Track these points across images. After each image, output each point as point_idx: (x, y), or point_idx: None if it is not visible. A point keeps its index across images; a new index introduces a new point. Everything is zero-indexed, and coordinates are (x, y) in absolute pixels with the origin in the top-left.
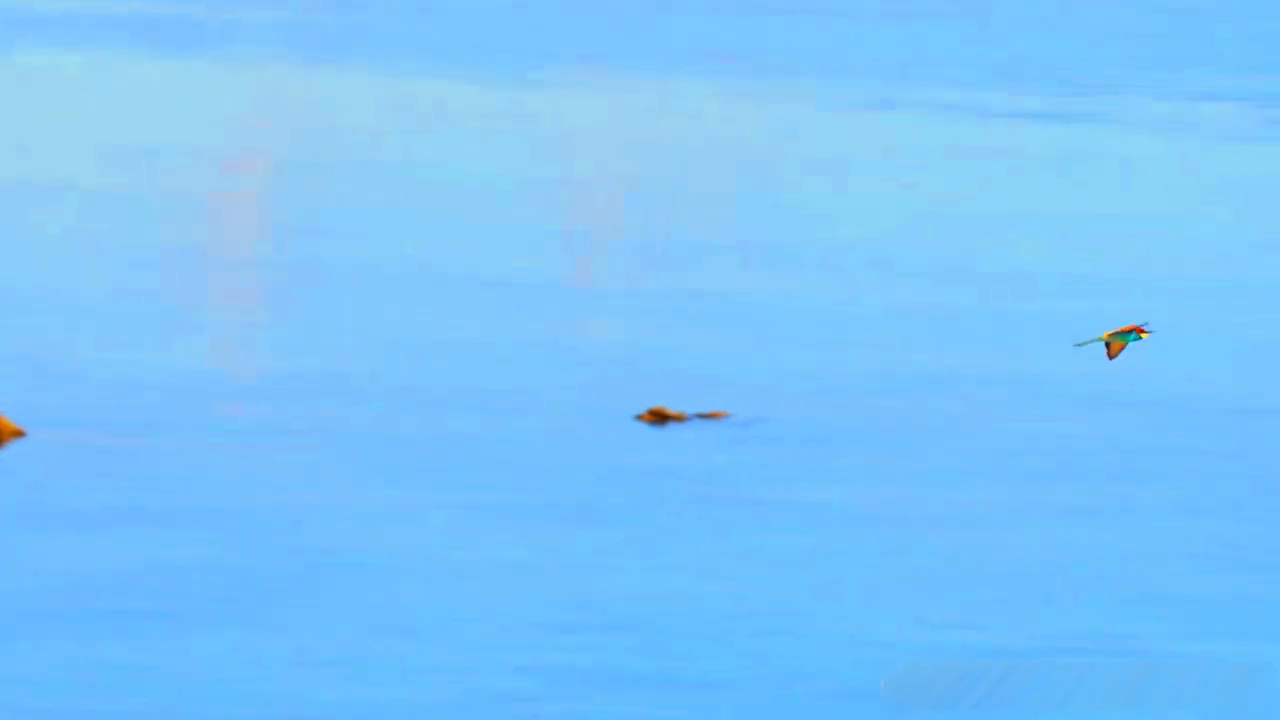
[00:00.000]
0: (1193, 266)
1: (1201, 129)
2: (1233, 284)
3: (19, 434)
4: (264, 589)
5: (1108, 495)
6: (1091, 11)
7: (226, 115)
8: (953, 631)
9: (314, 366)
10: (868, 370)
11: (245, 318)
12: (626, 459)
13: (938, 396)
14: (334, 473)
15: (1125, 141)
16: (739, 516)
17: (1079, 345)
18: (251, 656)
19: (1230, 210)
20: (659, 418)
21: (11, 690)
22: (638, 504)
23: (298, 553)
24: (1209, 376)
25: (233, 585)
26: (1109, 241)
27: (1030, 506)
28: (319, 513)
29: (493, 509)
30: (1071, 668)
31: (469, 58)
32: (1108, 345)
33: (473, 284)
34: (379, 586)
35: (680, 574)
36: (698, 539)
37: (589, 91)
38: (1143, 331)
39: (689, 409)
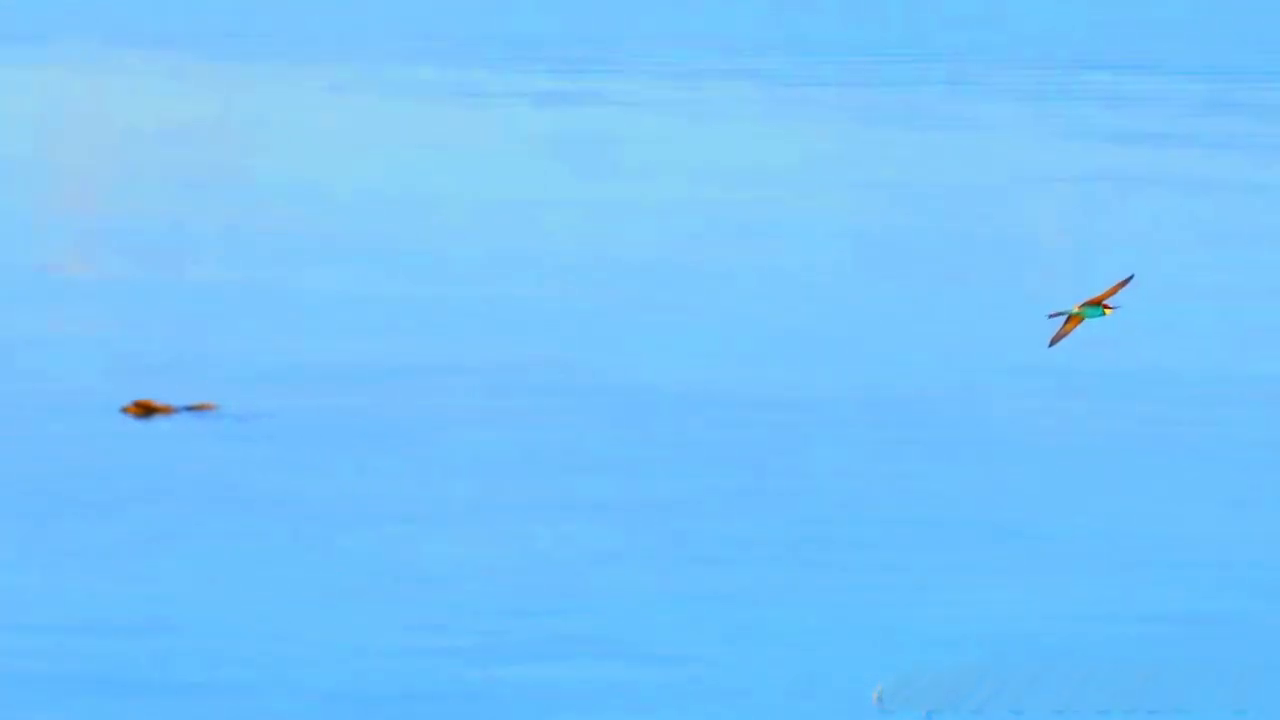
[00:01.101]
0: (715, 253)
1: (708, 109)
2: (753, 270)
3: None
4: None
5: (620, 489)
6: None
7: None
8: (440, 634)
9: None
10: (355, 360)
11: None
12: (111, 453)
13: (426, 387)
14: None
15: (627, 122)
16: (228, 512)
17: (1052, 316)
18: None
19: (746, 193)
20: (145, 410)
21: None
22: (123, 499)
23: None
24: (724, 367)
25: None
26: (613, 227)
27: (530, 501)
28: None
29: None
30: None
31: None
32: (1066, 321)
33: None
34: None
35: (165, 572)
36: (185, 535)
37: (70, 71)
38: (1108, 308)
39: (177, 401)
